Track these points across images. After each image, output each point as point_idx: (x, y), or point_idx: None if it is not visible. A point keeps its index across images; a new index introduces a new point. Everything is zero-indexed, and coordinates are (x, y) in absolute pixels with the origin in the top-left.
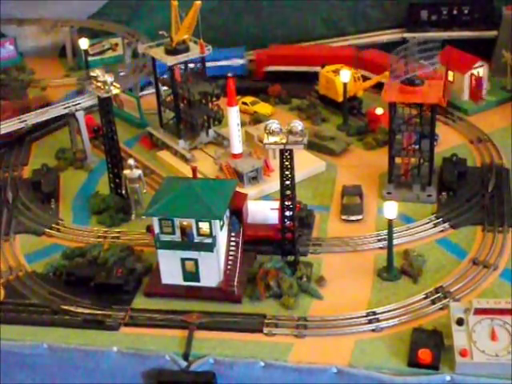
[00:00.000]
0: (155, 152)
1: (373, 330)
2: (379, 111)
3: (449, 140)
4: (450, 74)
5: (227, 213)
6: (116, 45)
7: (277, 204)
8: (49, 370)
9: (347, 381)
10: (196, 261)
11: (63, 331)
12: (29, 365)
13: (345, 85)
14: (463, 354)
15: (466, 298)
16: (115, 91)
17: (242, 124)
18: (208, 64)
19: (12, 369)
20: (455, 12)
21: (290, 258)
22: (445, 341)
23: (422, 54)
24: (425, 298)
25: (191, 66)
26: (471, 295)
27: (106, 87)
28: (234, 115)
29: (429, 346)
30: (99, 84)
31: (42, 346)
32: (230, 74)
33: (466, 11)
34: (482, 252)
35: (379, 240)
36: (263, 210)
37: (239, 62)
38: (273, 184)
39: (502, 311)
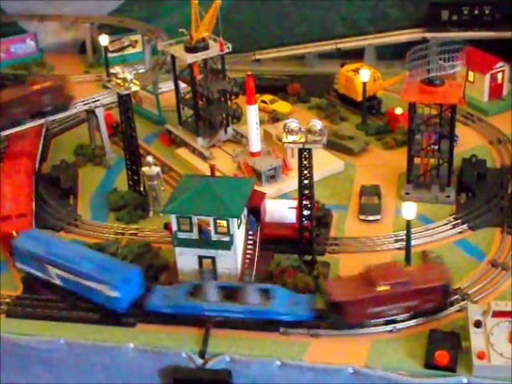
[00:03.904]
0: (173, 149)
1: (390, 331)
2: (399, 111)
3: (468, 141)
4: (471, 74)
5: (245, 211)
6: (136, 42)
7: (295, 203)
8: (65, 366)
9: (363, 381)
10: (213, 259)
11: (80, 327)
12: (46, 360)
13: (364, 84)
14: (481, 356)
15: (484, 300)
16: (135, 88)
17: (261, 122)
18: None
19: (29, 363)
20: (476, 12)
21: (308, 257)
22: (462, 343)
23: (442, 55)
24: None
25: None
26: (489, 297)
27: (126, 84)
28: (252, 113)
29: (446, 347)
30: (119, 81)
31: (59, 341)
32: (249, 73)
33: (487, 11)
34: (500, 254)
35: (397, 240)
36: (281, 209)
37: None
38: (291, 183)
39: None
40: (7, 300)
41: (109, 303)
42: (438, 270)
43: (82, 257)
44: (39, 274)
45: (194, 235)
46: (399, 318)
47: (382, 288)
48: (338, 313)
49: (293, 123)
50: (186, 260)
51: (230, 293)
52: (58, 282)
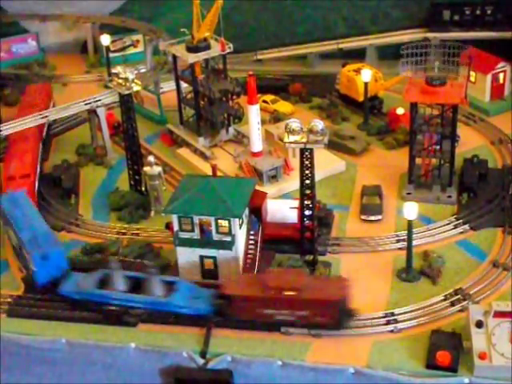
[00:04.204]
0: (175, 149)
1: (391, 331)
2: (400, 111)
3: (470, 141)
4: (472, 74)
5: (246, 211)
6: (137, 41)
7: (296, 203)
8: (67, 365)
9: (365, 381)
10: (215, 258)
11: (82, 326)
12: (47, 359)
13: (366, 84)
14: (482, 356)
15: (486, 300)
16: (136, 88)
17: (262, 122)
18: None
19: (31, 363)
20: (478, 12)
21: (309, 257)
22: (464, 343)
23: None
24: (444, 300)
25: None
26: (491, 298)
27: (127, 84)
28: (254, 113)
29: (447, 348)
30: (120, 81)
31: (60, 341)
32: (250, 73)
33: (489, 11)
34: (501, 254)
35: (398, 241)
36: (282, 209)
37: None
38: (292, 183)
39: None
40: (8, 300)
41: (32, 275)
42: (337, 285)
43: (29, 225)
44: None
45: (196, 235)
46: (401, 317)
47: (271, 291)
48: (230, 307)
49: (294, 123)
50: (188, 260)
51: (137, 283)
52: (15, 245)
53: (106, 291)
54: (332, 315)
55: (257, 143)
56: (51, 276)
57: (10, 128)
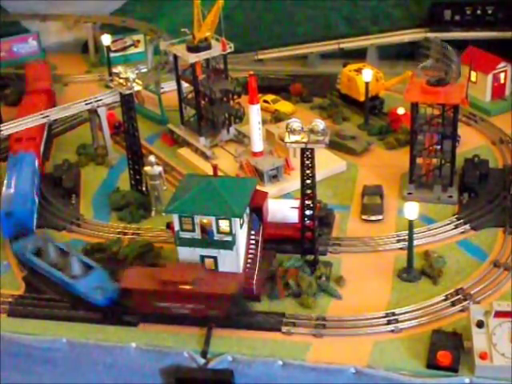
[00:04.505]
0: (176, 149)
1: (392, 331)
2: (401, 111)
3: (471, 141)
4: (473, 74)
5: (247, 211)
6: (138, 41)
7: (297, 203)
8: (67, 365)
9: (365, 381)
10: (215, 258)
11: (82, 326)
12: (47, 359)
13: (367, 84)
14: (483, 356)
15: (487, 300)
16: (137, 88)
17: (263, 122)
18: None
19: (31, 363)
20: (479, 12)
21: (310, 257)
22: (464, 343)
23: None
24: (445, 300)
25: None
26: (491, 297)
27: (128, 84)
28: (254, 113)
29: (448, 348)
30: (121, 81)
31: (61, 340)
32: (251, 73)
33: (489, 11)
34: (503, 254)
35: (399, 241)
36: (283, 209)
37: None
38: (293, 183)
39: None
40: (9, 299)
41: None
42: (232, 279)
43: (16, 184)
44: None
45: (197, 235)
46: (402, 317)
47: (167, 284)
48: (130, 300)
49: (295, 123)
50: (188, 259)
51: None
52: None
53: (36, 259)
54: (225, 309)
55: (257, 143)
56: (15, 233)
57: (10, 128)
